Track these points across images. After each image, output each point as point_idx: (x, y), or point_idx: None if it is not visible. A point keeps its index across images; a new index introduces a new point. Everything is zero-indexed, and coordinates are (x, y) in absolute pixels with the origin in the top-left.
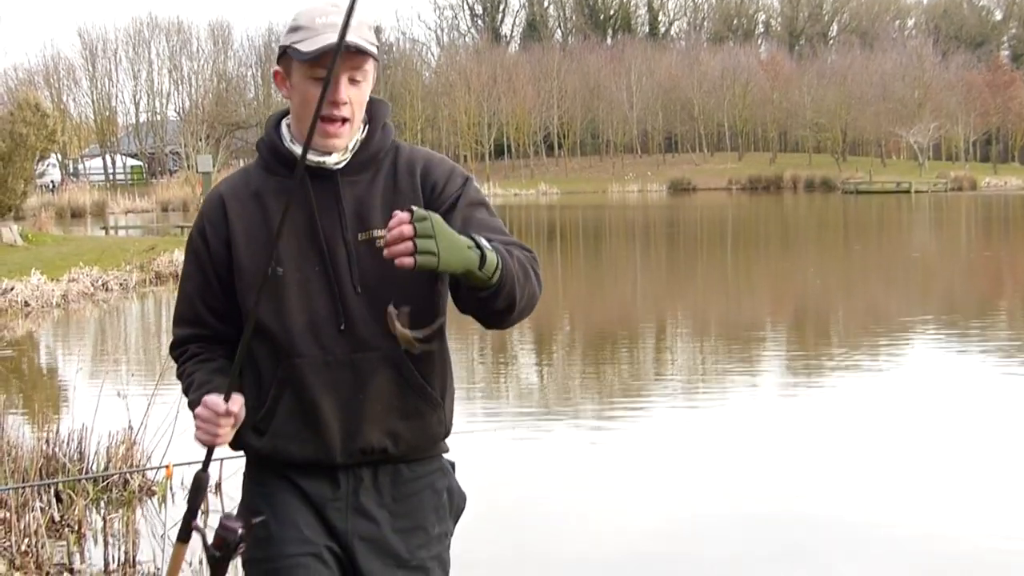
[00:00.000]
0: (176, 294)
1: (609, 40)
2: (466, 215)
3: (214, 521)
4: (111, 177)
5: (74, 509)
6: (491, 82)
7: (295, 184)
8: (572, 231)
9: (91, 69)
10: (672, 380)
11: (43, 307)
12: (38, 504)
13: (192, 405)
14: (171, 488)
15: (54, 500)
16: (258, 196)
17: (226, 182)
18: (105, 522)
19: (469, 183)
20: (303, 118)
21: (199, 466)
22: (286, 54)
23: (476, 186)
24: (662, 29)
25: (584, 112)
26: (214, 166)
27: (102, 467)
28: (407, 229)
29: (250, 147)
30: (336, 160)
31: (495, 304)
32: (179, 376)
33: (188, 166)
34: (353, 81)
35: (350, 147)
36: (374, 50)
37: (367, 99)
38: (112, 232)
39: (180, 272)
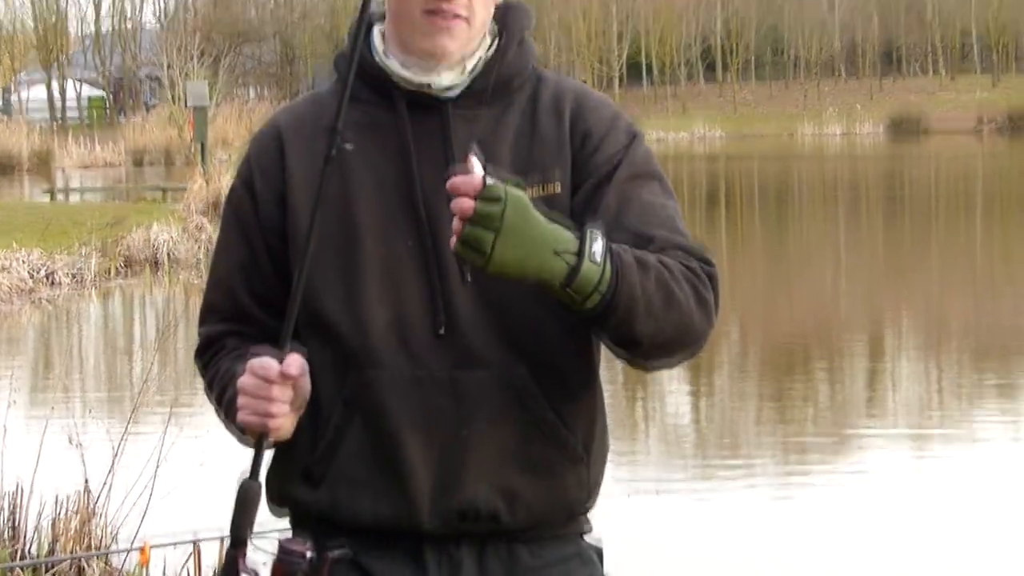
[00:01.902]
0: (206, 276)
1: None
2: (625, 193)
3: None
4: (59, 114)
5: None
6: None
7: (345, 89)
8: (743, 195)
9: None
10: (894, 419)
11: None
12: None
13: (231, 402)
14: None
15: None
16: (332, 133)
17: (287, 112)
18: None
19: (637, 142)
20: (402, 16)
21: (188, 547)
22: None
23: (647, 147)
24: None
25: (761, 15)
26: (212, 97)
27: (45, 549)
28: (465, 206)
29: (264, 68)
30: (449, 84)
31: (602, 333)
32: (208, 387)
33: (173, 98)
34: None
35: (469, 67)
36: None
37: None
38: (60, 197)
39: (213, 243)
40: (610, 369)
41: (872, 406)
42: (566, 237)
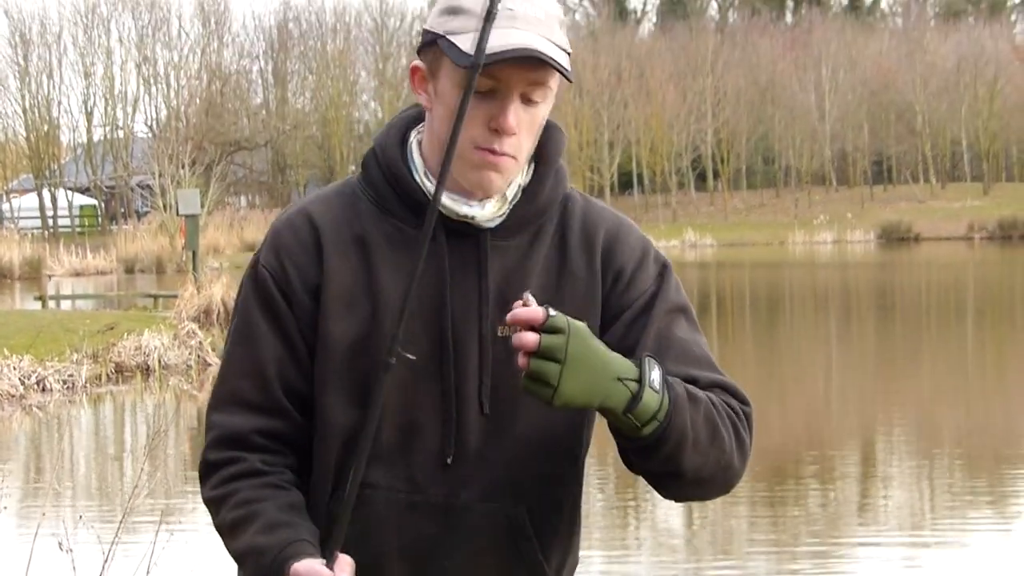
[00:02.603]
0: (221, 367)
1: (789, 17)
2: (663, 330)
3: None
4: (51, 223)
5: None
6: (614, 80)
7: (422, 239)
8: (733, 303)
9: (22, 63)
10: (886, 527)
11: None
12: None
13: (251, 557)
14: None
15: None
16: (363, 243)
17: (319, 204)
18: None
19: (668, 274)
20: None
21: None
22: (435, 44)
23: (676, 279)
24: (868, 1)
25: (752, 124)
26: (203, 206)
27: None
28: (529, 340)
29: (256, 176)
30: (491, 215)
31: (649, 464)
32: (217, 500)
33: (164, 206)
34: (528, 101)
35: (509, 196)
36: (567, 63)
37: (542, 127)
38: (52, 304)
39: (232, 331)
40: (601, 470)
41: (864, 513)
42: (627, 365)
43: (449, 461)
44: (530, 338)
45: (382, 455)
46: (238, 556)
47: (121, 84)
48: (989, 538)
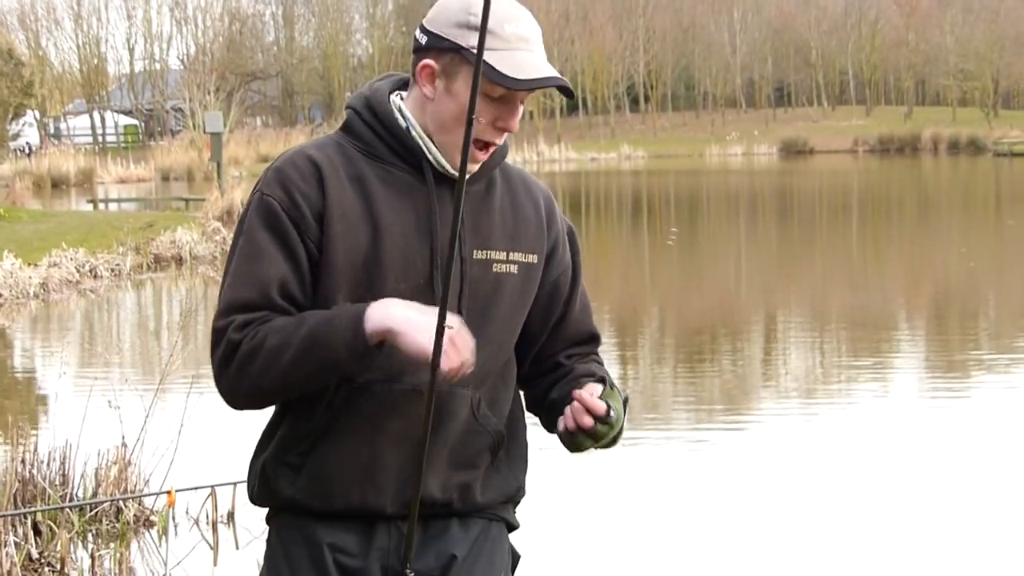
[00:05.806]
0: (227, 280)
1: None
2: (582, 296)
3: (225, 557)
4: (100, 139)
5: (56, 543)
6: (562, 20)
7: (455, 194)
8: (661, 203)
9: (75, 8)
10: (784, 386)
11: (17, 298)
12: (12, 538)
13: (323, 328)
14: (173, 518)
15: (31, 533)
16: (359, 179)
17: (314, 149)
18: (93, 559)
19: (577, 241)
20: (447, 129)
21: (206, 491)
22: (456, 52)
23: (578, 242)
24: None
25: (676, 58)
26: (225, 125)
27: (89, 493)
28: (587, 422)
29: (269, 101)
30: (471, 170)
31: (542, 411)
32: (255, 340)
33: (194, 125)
34: (522, 102)
35: None
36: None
37: None
38: (102, 206)
39: (238, 250)
40: None
41: (768, 377)
42: (619, 416)
43: None
44: (587, 421)
45: (383, 355)
46: (306, 341)
47: (157, 25)
48: (869, 395)
